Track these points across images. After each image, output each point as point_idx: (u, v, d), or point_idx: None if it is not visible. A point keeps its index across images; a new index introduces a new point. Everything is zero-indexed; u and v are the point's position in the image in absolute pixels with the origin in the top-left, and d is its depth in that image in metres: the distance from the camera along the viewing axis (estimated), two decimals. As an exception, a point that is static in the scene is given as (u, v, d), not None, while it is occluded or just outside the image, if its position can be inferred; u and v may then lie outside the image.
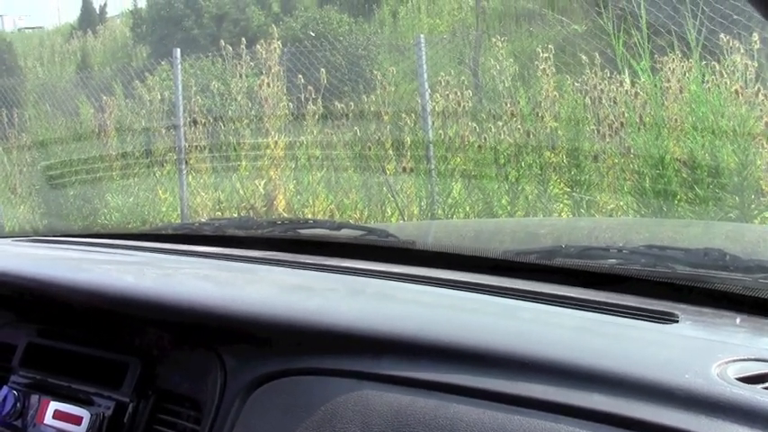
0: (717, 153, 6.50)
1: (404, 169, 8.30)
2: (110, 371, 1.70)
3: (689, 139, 6.74)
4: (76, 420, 1.68)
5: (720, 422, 1.10)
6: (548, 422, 1.17)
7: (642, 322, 1.40)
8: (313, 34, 14.19)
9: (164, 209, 9.86)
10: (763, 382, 1.17)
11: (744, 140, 6.40)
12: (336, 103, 9.76)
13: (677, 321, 1.40)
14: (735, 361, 1.22)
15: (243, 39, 10.42)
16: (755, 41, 7.16)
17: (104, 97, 11.29)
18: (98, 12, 25.46)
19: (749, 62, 7.05)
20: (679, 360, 1.26)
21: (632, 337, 1.38)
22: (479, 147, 8.01)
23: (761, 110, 6.55)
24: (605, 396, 1.18)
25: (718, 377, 1.17)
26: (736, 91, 6.78)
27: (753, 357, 1.24)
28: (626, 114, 7.29)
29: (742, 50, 7.17)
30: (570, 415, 1.17)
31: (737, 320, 1.43)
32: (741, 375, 1.18)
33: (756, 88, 6.76)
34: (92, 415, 1.67)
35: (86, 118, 12.09)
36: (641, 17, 7.37)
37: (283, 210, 8.80)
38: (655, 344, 1.34)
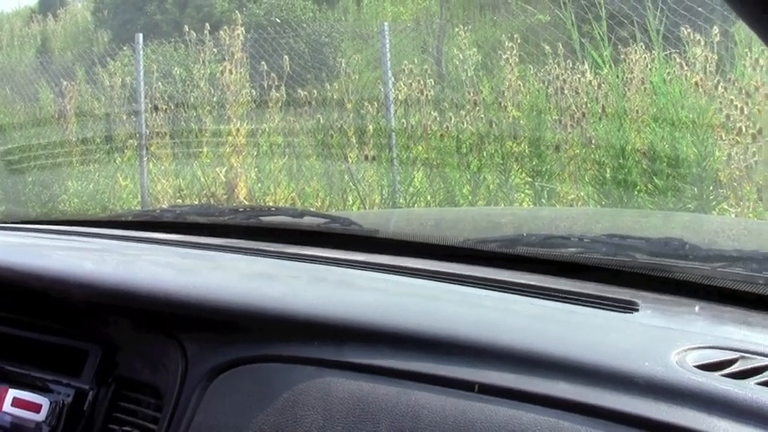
0: (676, 144, 6.56)
1: (366, 157, 8.30)
2: (69, 358, 1.69)
3: (649, 130, 6.80)
4: (35, 408, 1.66)
5: (679, 408, 1.11)
6: (509, 409, 1.18)
7: (603, 311, 1.41)
8: (279, 21, 14.13)
9: (124, 195, 9.80)
10: (721, 370, 1.18)
11: (703, 132, 6.47)
12: (299, 90, 9.75)
13: (637, 310, 1.41)
14: (694, 349, 1.24)
15: (206, 25, 10.36)
16: (716, 34, 7.23)
17: (65, 82, 11.18)
18: (58, -5, 25.18)
19: (709, 54, 7.12)
20: (639, 348, 1.27)
21: (593, 325, 1.39)
22: (442, 135, 8.03)
23: (720, 102, 6.62)
24: (566, 383, 1.19)
25: (677, 364, 1.18)
26: (696, 83, 6.85)
27: (711, 345, 1.26)
28: (588, 105, 7.34)
29: (702, 43, 7.24)
30: (531, 402, 1.18)
31: (697, 309, 1.44)
32: (700, 363, 1.19)
33: (716, 80, 6.83)
34: (51, 402, 1.66)
35: (46, 103, 11.98)
36: (600, 6, 7.41)
37: (244, 197, 8.77)
38: (615, 332, 1.35)
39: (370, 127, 8.64)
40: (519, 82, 8.43)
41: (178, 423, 1.44)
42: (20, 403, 1.69)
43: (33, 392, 1.69)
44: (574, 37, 7.78)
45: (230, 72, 9.29)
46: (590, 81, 7.59)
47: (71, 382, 1.67)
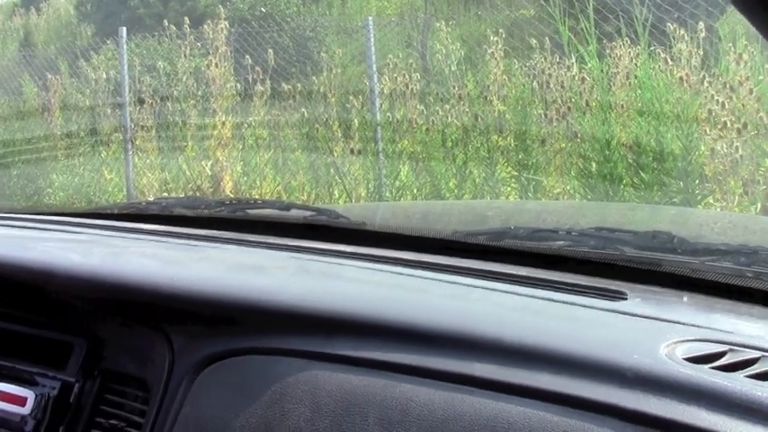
0: (661, 138, 6.58)
1: (351, 151, 8.30)
2: (55, 351, 1.68)
3: (635, 124, 6.81)
4: (21, 401, 1.65)
5: (668, 401, 1.11)
6: (497, 401, 1.18)
7: (591, 303, 1.41)
8: (264, 10, 14.10)
9: (110, 189, 9.76)
10: (710, 362, 1.18)
11: (688, 126, 6.49)
12: (284, 84, 9.73)
13: (626, 302, 1.41)
14: (682, 341, 1.24)
15: (187, 19, 10.33)
16: (701, 29, 7.25)
17: (49, 76, 11.12)
18: (42, -11, 24.99)
19: (694, 50, 7.15)
20: (628, 340, 1.27)
21: (581, 317, 1.39)
22: (427, 129, 8.03)
23: (705, 96, 6.64)
24: (554, 375, 1.19)
25: (666, 357, 1.18)
26: (681, 78, 6.86)
27: (700, 338, 1.26)
28: (573, 99, 7.34)
29: (687, 38, 7.27)
30: (520, 394, 1.18)
31: (685, 301, 1.44)
32: (689, 355, 1.19)
33: (702, 75, 6.85)
34: (36, 395, 1.64)
35: (30, 97, 11.92)
36: (589, 2, 7.42)
37: (230, 191, 8.76)
38: (604, 324, 1.35)
39: (356, 121, 8.64)
40: (504, 76, 8.43)
41: (165, 416, 1.43)
42: (5, 396, 1.67)
43: (19, 385, 1.68)
44: (560, 31, 7.79)
45: (215, 66, 9.28)
46: (575, 75, 7.60)
47: (57, 375, 1.65)
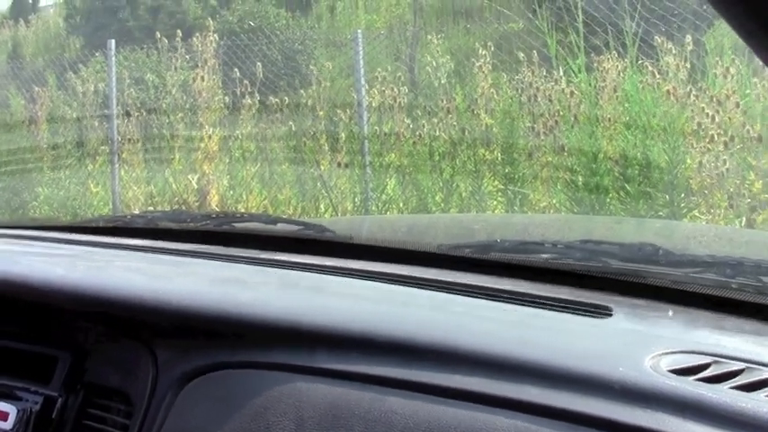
0: (648, 152, 6.60)
1: (339, 164, 8.30)
2: (39, 365, 1.67)
3: (621, 137, 6.83)
4: (2, 416, 1.64)
5: (653, 413, 1.11)
6: (483, 414, 1.18)
7: (577, 315, 1.41)
8: (253, 23, 14.11)
9: (95, 203, 9.73)
10: (694, 374, 1.18)
11: (675, 139, 6.51)
12: (272, 97, 9.72)
13: (611, 314, 1.41)
14: (667, 353, 1.24)
15: (179, 31, 10.34)
16: (688, 43, 7.29)
17: (36, 88, 11.10)
18: (30, 1, 24.99)
19: (681, 63, 7.18)
20: (613, 352, 1.27)
21: (566, 329, 1.39)
22: (414, 143, 8.03)
23: (692, 110, 6.67)
24: (539, 388, 1.19)
25: (651, 369, 1.19)
26: (668, 91, 6.89)
27: (685, 350, 1.26)
28: (560, 112, 7.36)
29: (674, 51, 7.30)
30: (505, 407, 1.18)
31: (670, 313, 1.44)
32: (674, 367, 1.20)
33: (688, 89, 6.88)
34: (19, 410, 1.63)
35: (17, 109, 11.89)
36: (578, 16, 7.45)
37: (216, 205, 8.74)
38: (589, 336, 1.35)
39: (343, 134, 8.64)
40: (492, 89, 8.44)
41: (148, 430, 1.43)
42: (-13, 411, 1.67)
43: (0, 400, 1.67)
44: (548, 44, 7.81)
45: (203, 79, 9.28)
46: (563, 89, 7.61)
47: (39, 390, 1.64)
